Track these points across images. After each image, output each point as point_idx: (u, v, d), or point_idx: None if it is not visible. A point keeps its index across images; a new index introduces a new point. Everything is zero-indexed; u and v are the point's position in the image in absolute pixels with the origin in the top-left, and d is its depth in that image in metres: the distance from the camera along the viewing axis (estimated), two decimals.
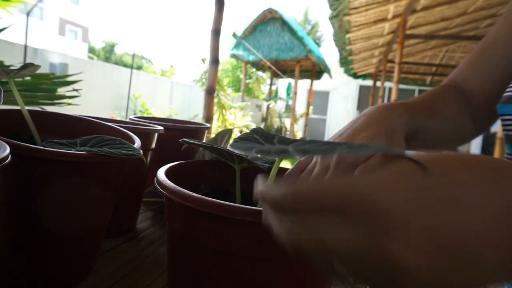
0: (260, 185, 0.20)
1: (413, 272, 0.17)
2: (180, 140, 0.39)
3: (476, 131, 0.53)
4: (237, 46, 7.67)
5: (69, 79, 1.35)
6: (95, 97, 6.29)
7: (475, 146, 9.71)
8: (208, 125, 0.84)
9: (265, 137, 0.31)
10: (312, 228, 0.19)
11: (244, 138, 0.30)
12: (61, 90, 1.29)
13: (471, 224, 0.17)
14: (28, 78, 1.17)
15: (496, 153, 4.21)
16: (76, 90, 1.32)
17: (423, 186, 0.18)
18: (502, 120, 0.48)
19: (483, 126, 0.54)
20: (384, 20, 4.75)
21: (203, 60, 5.85)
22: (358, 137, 0.37)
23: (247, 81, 10.13)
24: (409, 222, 0.17)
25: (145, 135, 0.57)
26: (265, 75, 10.70)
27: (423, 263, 0.17)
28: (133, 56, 6.24)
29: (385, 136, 0.37)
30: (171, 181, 0.31)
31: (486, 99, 0.51)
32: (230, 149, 0.26)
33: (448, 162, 0.20)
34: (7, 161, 0.28)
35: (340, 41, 5.31)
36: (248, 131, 0.32)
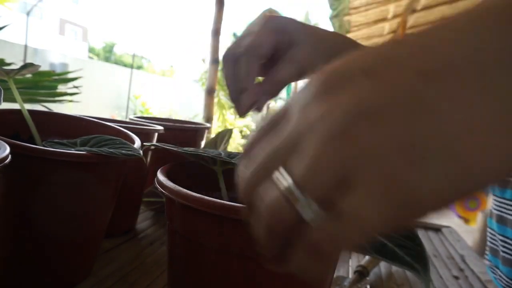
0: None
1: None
2: (145, 143, 0.40)
3: None
4: None
5: (70, 76, 1.35)
6: (95, 97, 6.30)
7: None
8: (208, 125, 0.84)
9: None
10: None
11: None
12: (62, 88, 1.29)
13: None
14: (29, 76, 1.17)
15: None
16: (77, 87, 1.32)
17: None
18: None
19: None
20: (384, 20, 4.75)
21: (203, 60, 5.86)
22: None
23: None
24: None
25: (145, 135, 0.57)
26: None
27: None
28: (133, 56, 6.25)
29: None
30: (171, 181, 0.31)
31: None
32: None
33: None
34: (7, 161, 0.28)
35: None
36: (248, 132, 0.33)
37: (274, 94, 0.34)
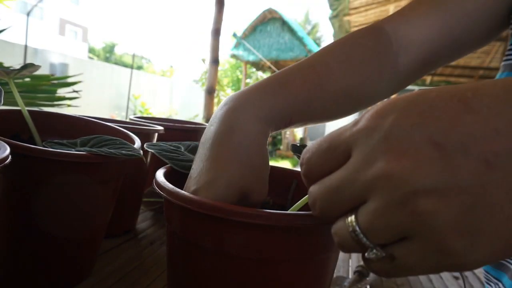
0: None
1: (418, 174, 0.16)
2: (145, 144, 0.41)
3: (392, 88, 0.42)
4: (237, 46, 7.68)
5: (69, 80, 1.35)
6: (95, 97, 6.30)
7: None
8: None
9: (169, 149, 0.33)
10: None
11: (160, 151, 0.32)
12: (61, 91, 1.29)
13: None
14: (27, 79, 1.17)
15: None
16: (76, 91, 1.32)
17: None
18: None
19: (409, 80, 0.43)
20: None
21: (203, 60, 5.86)
22: (221, 180, 0.30)
23: (247, 81, 10.12)
24: (398, 132, 0.18)
25: (145, 135, 0.57)
26: (265, 75, 10.69)
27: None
28: (133, 56, 6.25)
29: (251, 177, 0.30)
30: (169, 181, 0.31)
31: (427, 52, 0.41)
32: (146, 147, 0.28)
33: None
34: (7, 161, 0.28)
35: None
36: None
37: None
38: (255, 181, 0.31)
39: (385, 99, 0.19)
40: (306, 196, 0.29)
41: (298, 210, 0.31)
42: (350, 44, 0.39)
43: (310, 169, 0.22)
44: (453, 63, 6.90)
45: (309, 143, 0.23)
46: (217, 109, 0.33)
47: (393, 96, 0.20)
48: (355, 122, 0.19)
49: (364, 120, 0.18)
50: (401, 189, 0.16)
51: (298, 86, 0.34)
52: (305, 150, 0.22)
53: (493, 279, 0.53)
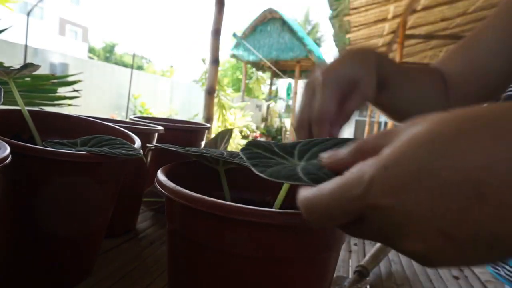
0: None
1: (432, 258, 0.18)
2: (148, 144, 0.40)
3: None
4: (237, 46, 7.67)
5: (69, 79, 1.35)
6: (95, 97, 6.30)
7: None
8: (208, 125, 0.84)
9: (267, 149, 0.31)
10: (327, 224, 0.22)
11: (251, 157, 0.29)
12: (61, 91, 1.29)
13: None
14: (27, 79, 1.17)
15: None
16: (77, 90, 1.32)
17: (415, 184, 0.18)
18: None
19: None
20: (384, 20, 4.75)
21: (203, 60, 5.86)
22: (340, 64, 0.43)
23: (247, 81, 10.12)
24: (411, 220, 0.18)
25: (145, 135, 0.57)
26: (265, 75, 10.70)
27: (436, 250, 0.18)
28: (133, 56, 6.25)
29: (361, 65, 0.42)
30: (171, 180, 0.31)
31: (464, 84, 0.51)
32: (256, 172, 0.26)
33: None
34: (7, 161, 0.28)
35: (340, 42, 5.31)
36: (246, 144, 0.32)
37: (345, 123, 0.43)
38: (364, 69, 0.42)
39: (402, 151, 0.19)
40: (285, 185, 0.31)
41: (283, 204, 0.31)
42: (418, 68, 0.52)
43: (313, 223, 0.22)
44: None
45: (307, 192, 0.22)
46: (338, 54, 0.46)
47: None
48: (366, 185, 0.19)
49: (377, 192, 0.18)
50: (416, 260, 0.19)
51: (390, 63, 0.47)
52: (303, 203, 0.22)
53: (499, 263, 0.55)
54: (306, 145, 0.30)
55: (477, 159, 0.16)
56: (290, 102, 9.54)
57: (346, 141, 0.28)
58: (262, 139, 7.92)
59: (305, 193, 0.22)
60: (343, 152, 0.24)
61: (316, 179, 0.24)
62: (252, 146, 0.31)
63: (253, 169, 0.26)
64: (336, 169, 0.24)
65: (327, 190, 0.20)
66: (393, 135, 0.20)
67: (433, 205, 0.17)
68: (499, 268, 0.55)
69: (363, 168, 0.19)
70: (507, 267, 0.51)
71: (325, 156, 0.25)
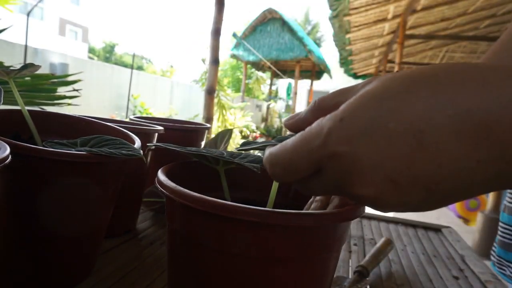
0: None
1: (381, 202, 0.20)
2: (148, 144, 0.40)
3: None
4: (237, 46, 7.67)
5: (69, 79, 1.35)
6: (95, 97, 6.29)
7: None
8: (208, 125, 0.84)
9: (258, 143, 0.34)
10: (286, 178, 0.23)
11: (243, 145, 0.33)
12: (61, 90, 1.29)
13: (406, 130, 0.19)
14: (27, 78, 1.17)
15: None
16: (76, 90, 1.32)
17: (361, 131, 0.20)
18: None
19: None
20: (384, 20, 4.75)
21: (203, 60, 5.86)
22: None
23: (247, 81, 10.12)
24: (363, 167, 0.20)
25: (145, 135, 0.57)
26: (265, 76, 10.70)
27: (385, 195, 0.20)
28: (133, 56, 6.25)
29: None
30: (171, 180, 0.31)
31: None
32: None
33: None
34: (7, 161, 0.28)
35: (340, 41, 5.31)
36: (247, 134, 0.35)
37: None
38: None
39: (352, 104, 0.21)
40: (275, 183, 0.32)
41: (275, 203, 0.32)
42: None
43: (276, 177, 0.24)
44: (436, 62, 6.90)
45: (272, 148, 0.24)
46: None
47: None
48: (325, 136, 0.21)
49: (333, 142, 0.20)
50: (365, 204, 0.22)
51: None
52: (268, 158, 0.23)
53: (505, 262, 0.55)
54: (291, 135, 0.33)
55: (418, 111, 0.18)
56: (290, 102, 9.55)
57: None
58: (262, 139, 7.92)
59: (270, 149, 0.24)
60: (303, 112, 0.26)
61: (281, 140, 0.26)
62: (245, 142, 0.34)
63: (236, 148, 0.31)
64: (299, 129, 0.25)
65: (289, 143, 0.22)
66: (350, 93, 0.22)
67: (380, 153, 0.19)
68: (504, 268, 0.55)
69: (322, 122, 0.21)
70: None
71: (287, 118, 0.27)
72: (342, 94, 0.23)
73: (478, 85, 0.18)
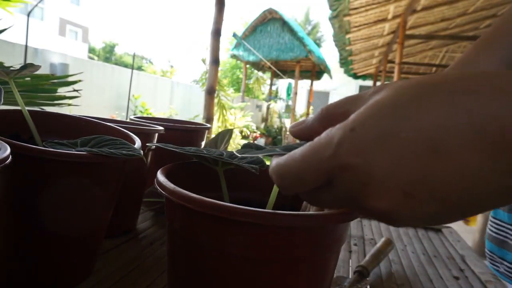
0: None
1: (395, 216, 0.19)
2: (148, 144, 0.40)
3: None
4: (237, 46, 7.67)
5: (69, 79, 1.35)
6: (95, 97, 6.29)
7: None
8: (208, 125, 0.84)
9: (259, 147, 0.33)
10: (299, 191, 0.23)
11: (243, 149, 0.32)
12: (61, 91, 1.29)
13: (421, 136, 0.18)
14: (27, 79, 1.17)
15: None
16: (77, 90, 1.32)
17: (377, 142, 0.19)
18: None
19: None
20: (384, 20, 4.75)
21: (203, 61, 5.86)
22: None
23: (247, 81, 10.12)
24: (376, 179, 0.19)
25: (145, 135, 0.57)
26: (265, 76, 10.70)
27: (399, 208, 0.19)
28: (133, 56, 6.25)
29: None
30: (171, 181, 0.31)
31: None
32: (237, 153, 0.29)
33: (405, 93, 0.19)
34: (7, 161, 0.28)
35: (340, 42, 5.31)
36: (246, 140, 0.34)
37: None
38: None
39: (361, 114, 0.20)
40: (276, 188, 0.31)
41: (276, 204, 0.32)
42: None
43: (284, 189, 0.23)
44: (436, 62, 6.86)
45: (279, 159, 0.23)
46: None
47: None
48: (335, 147, 0.20)
49: (344, 152, 0.19)
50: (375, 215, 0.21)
51: None
52: (275, 168, 0.23)
53: (498, 259, 0.55)
54: (298, 144, 0.31)
55: (432, 120, 0.17)
56: (290, 102, 9.54)
57: None
58: (262, 139, 7.92)
59: (277, 160, 0.23)
60: (310, 119, 0.25)
61: (288, 149, 0.25)
62: (246, 146, 0.33)
63: (236, 153, 0.29)
64: (305, 137, 0.25)
65: (298, 154, 0.21)
66: (359, 101, 0.22)
67: (394, 164, 0.18)
68: (498, 264, 0.55)
69: (332, 132, 0.20)
70: (505, 263, 0.52)
71: (292, 125, 0.26)
72: (350, 102, 0.23)
73: (493, 93, 0.17)
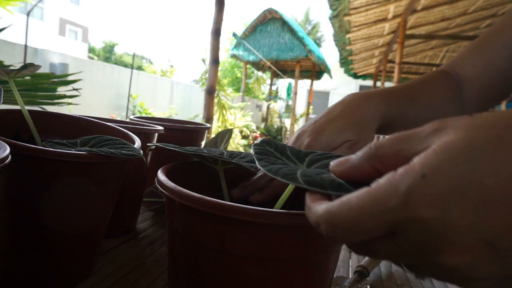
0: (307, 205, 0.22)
1: (474, 272, 0.17)
2: (148, 144, 0.40)
3: None
4: (237, 46, 7.67)
5: (69, 78, 1.35)
6: (95, 97, 6.29)
7: None
8: (208, 125, 0.84)
9: (279, 149, 0.31)
10: (355, 244, 0.21)
11: (261, 153, 0.29)
12: (61, 90, 1.29)
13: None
14: (28, 78, 1.17)
15: None
16: (76, 89, 1.32)
17: (453, 186, 0.17)
18: None
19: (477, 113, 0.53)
20: (384, 20, 4.75)
21: (203, 60, 5.86)
22: (329, 126, 0.40)
23: (247, 81, 10.13)
24: (456, 232, 0.17)
25: (145, 135, 0.57)
26: (265, 76, 10.70)
27: (480, 263, 0.17)
28: (133, 56, 6.24)
29: (355, 129, 0.40)
30: (171, 181, 0.31)
31: (483, 87, 0.49)
32: (261, 167, 0.26)
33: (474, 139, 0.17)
34: (7, 161, 0.28)
35: (340, 41, 5.31)
36: (258, 141, 0.32)
37: None
38: (357, 134, 0.38)
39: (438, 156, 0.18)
40: (289, 187, 0.29)
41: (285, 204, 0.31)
42: (424, 79, 0.50)
43: (336, 238, 0.21)
44: (437, 62, 6.86)
45: (327, 205, 0.20)
46: (343, 98, 0.44)
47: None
48: (403, 196, 0.18)
49: (417, 203, 0.17)
50: (459, 275, 0.18)
51: (397, 99, 0.45)
52: (325, 217, 0.20)
53: None
54: (320, 155, 0.30)
55: None
56: (290, 102, 9.55)
57: None
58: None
59: (325, 206, 0.20)
60: (356, 158, 0.22)
61: (309, 182, 0.23)
62: (265, 144, 0.31)
63: (257, 162, 0.26)
64: (350, 177, 0.22)
65: (354, 202, 0.19)
66: (415, 141, 0.20)
67: (478, 214, 0.16)
68: None
69: (396, 178, 0.18)
70: None
71: (335, 163, 0.23)
72: (404, 141, 0.20)
73: None
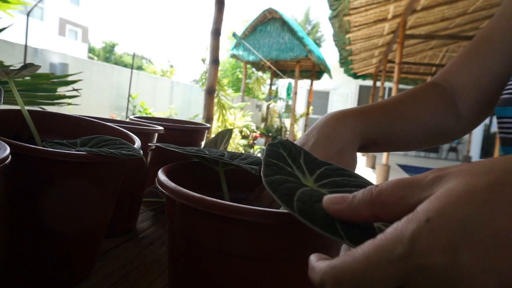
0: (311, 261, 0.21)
1: None
2: (148, 144, 0.40)
3: (462, 129, 0.51)
4: (237, 46, 7.68)
5: (69, 78, 1.35)
6: (95, 97, 6.29)
7: (474, 146, 9.71)
8: (208, 125, 0.84)
9: (293, 155, 0.30)
10: None
11: (272, 156, 0.28)
12: (61, 90, 1.29)
13: None
14: (28, 78, 1.17)
15: (496, 153, 4.20)
16: (76, 90, 1.32)
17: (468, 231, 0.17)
18: (500, 122, 0.45)
19: (473, 123, 0.52)
20: (384, 20, 4.76)
21: (203, 60, 5.86)
22: None
23: (247, 81, 10.13)
24: (468, 276, 0.16)
25: (145, 135, 0.57)
26: (265, 76, 10.70)
27: None
28: (133, 56, 6.24)
29: (334, 159, 0.38)
30: (172, 181, 0.31)
31: (479, 94, 0.49)
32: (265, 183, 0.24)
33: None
34: (7, 161, 0.28)
35: (340, 41, 5.32)
36: (271, 141, 0.30)
37: None
38: (336, 163, 0.37)
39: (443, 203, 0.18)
40: None
41: None
42: (413, 93, 0.49)
43: None
44: (436, 62, 6.84)
45: (331, 262, 0.20)
46: (318, 121, 0.43)
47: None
48: (409, 242, 0.17)
49: (424, 249, 0.17)
50: None
51: (379, 115, 0.44)
52: (329, 273, 0.19)
53: None
54: (334, 170, 0.29)
55: None
56: (290, 102, 9.55)
57: None
58: (262, 139, 7.92)
59: (328, 262, 0.20)
60: (356, 201, 0.21)
61: (302, 211, 0.22)
62: (280, 145, 0.30)
63: (262, 169, 0.26)
64: (345, 218, 0.22)
65: (359, 253, 0.19)
66: (418, 188, 0.19)
67: (490, 257, 0.16)
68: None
69: (399, 226, 0.18)
70: None
71: (330, 201, 0.22)
72: (405, 188, 0.20)
73: None
